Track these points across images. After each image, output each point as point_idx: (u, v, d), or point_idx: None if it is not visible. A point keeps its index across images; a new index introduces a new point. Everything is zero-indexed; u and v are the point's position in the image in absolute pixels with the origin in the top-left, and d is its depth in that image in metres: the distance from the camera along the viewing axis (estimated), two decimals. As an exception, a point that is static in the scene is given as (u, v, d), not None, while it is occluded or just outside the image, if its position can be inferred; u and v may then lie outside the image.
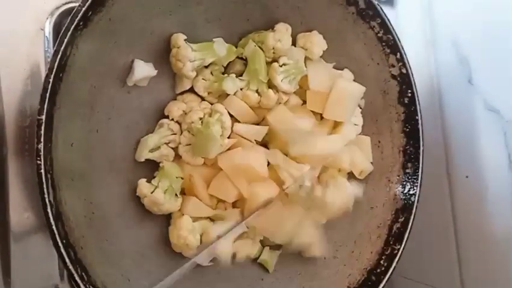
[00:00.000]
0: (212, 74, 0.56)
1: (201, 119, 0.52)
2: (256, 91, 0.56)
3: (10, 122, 0.52)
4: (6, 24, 0.53)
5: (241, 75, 0.56)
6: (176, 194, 0.53)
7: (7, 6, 0.53)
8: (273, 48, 0.55)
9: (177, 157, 0.55)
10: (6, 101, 0.52)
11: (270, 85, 0.56)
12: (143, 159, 0.52)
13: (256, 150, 0.55)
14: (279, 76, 0.55)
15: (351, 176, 0.60)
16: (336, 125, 0.59)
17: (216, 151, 0.52)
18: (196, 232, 0.52)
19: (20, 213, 0.52)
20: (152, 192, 0.50)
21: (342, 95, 0.57)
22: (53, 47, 0.52)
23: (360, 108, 0.61)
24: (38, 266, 0.53)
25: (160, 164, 0.53)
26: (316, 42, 0.57)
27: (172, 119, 0.54)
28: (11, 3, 0.53)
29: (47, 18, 0.54)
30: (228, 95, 0.55)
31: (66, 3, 0.55)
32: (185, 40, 0.52)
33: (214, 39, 0.54)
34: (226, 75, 0.55)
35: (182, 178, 0.53)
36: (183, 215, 0.53)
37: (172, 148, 0.54)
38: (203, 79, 0.55)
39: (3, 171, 0.52)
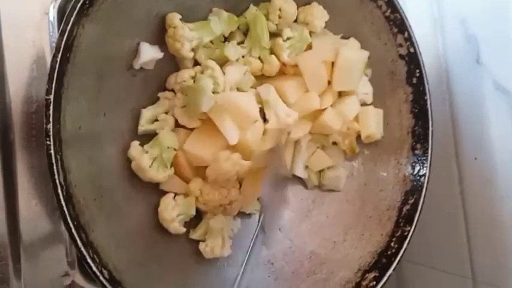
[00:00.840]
0: (212, 43, 0.54)
1: (193, 77, 0.51)
2: (259, 58, 0.55)
3: (17, 108, 0.52)
4: (10, 9, 0.52)
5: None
6: (167, 165, 0.51)
7: (11, -10, 0.52)
8: (280, 10, 0.54)
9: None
10: (12, 87, 0.52)
11: (272, 51, 0.56)
12: (142, 131, 0.52)
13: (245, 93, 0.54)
14: (285, 52, 0.54)
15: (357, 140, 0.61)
16: (341, 94, 0.60)
17: (206, 104, 0.49)
18: (178, 207, 0.52)
19: (28, 200, 0.52)
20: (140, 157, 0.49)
21: (346, 65, 0.57)
22: (58, 31, 0.52)
23: (367, 75, 0.61)
24: (47, 252, 0.53)
25: (157, 131, 0.52)
26: (317, 14, 0.56)
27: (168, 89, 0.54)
28: (15, -13, 0.53)
29: (51, 3, 0.54)
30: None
31: (70, -13, 0.54)
32: (180, 19, 0.51)
33: (210, 17, 0.53)
34: (227, 42, 0.55)
35: (175, 149, 0.52)
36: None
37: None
38: (204, 47, 0.54)
39: (11, 157, 0.51)
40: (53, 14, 0.53)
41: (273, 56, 0.55)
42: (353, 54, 0.57)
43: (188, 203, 0.53)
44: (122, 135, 0.51)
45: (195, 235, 0.54)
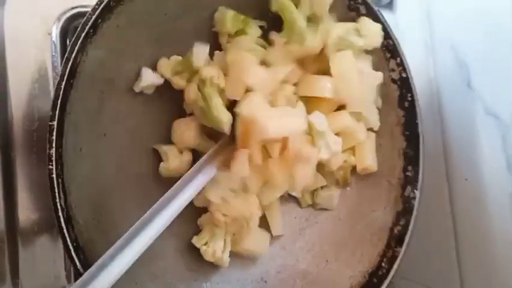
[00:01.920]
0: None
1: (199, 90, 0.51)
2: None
3: (18, 126, 0.53)
4: (14, 29, 0.54)
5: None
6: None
7: (15, 11, 0.54)
8: None
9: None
10: (15, 104, 0.53)
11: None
12: None
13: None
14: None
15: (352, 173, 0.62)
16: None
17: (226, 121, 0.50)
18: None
19: (28, 216, 0.53)
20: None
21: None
22: (60, 51, 0.54)
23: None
24: (45, 267, 0.54)
25: None
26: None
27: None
28: (19, 8, 0.54)
29: (54, 23, 0.55)
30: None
31: (72, 8, 0.56)
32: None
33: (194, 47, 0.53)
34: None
35: None
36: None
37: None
38: None
39: (12, 173, 0.53)
40: (55, 34, 0.55)
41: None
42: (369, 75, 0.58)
43: None
44: (121, 154, 0.52)
45: (198, 243, 0.55)
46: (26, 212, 0.53)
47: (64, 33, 0.56)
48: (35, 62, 0.55)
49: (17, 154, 0.53)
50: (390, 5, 0.74)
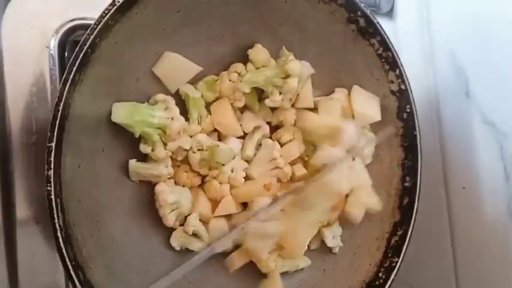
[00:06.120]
0: None
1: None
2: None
3: (16, 139, 0.53)
4: (12, 42, 0.53)
5: None
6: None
7: (13, 24, 0.54)
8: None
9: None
10: (13, 118, 0.53)
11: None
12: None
13: None
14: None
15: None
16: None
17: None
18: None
19: (26, 227, 0.53)
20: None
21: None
22: (58, 64, 0.54)
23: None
24: (44, 275, 0.54)
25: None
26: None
27: None
28: (17, 21, 0.54)
29: (52, 36, 0.55)
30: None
31: (71, 20, 0.56)
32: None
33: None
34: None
35: None
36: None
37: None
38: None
39: (10, 186, 0.53)
40: (53, 47, 0.55)
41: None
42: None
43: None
44: (119, 168, 0.52)
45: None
46: (25, 223, 0.53)
47: (62, 46, 0.55)
48: (33, 75, 0.54)
49: (16, 167, 0.53)
50: (390, 13, 0.74)
